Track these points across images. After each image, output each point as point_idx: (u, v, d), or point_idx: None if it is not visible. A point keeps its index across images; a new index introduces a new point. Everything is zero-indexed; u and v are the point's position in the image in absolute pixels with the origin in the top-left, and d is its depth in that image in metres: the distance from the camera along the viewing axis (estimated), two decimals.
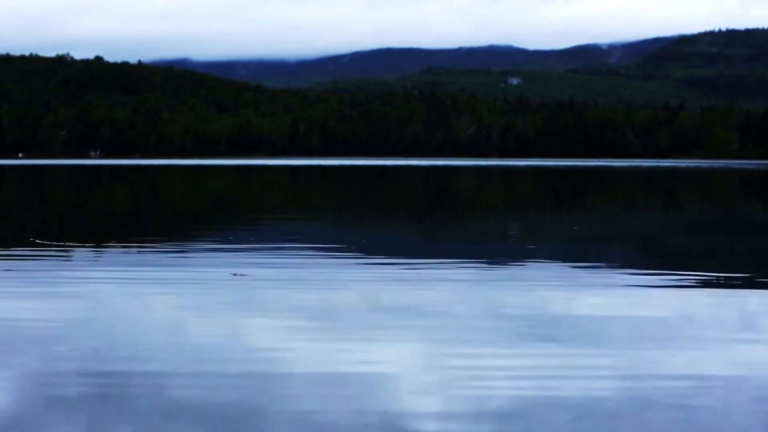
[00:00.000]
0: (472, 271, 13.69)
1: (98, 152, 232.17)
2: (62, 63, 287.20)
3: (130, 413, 6.26)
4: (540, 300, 10.99)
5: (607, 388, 6.95)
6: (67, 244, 17.01)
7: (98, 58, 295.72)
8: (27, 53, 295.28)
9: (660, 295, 11.44)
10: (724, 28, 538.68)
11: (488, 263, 14.60)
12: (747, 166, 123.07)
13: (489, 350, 8.25)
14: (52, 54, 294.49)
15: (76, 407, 6.40)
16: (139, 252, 16.09)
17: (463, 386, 6.99)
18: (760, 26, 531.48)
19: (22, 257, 15.17)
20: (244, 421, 6.11)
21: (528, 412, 6.30)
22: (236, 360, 7.81)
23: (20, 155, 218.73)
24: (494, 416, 6.22)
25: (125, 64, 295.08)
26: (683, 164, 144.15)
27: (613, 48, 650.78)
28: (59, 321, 9.47)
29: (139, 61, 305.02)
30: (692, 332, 9.14)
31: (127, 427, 5.97)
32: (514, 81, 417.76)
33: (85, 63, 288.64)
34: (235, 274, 12.93)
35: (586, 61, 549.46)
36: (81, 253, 15.89)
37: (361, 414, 6.26)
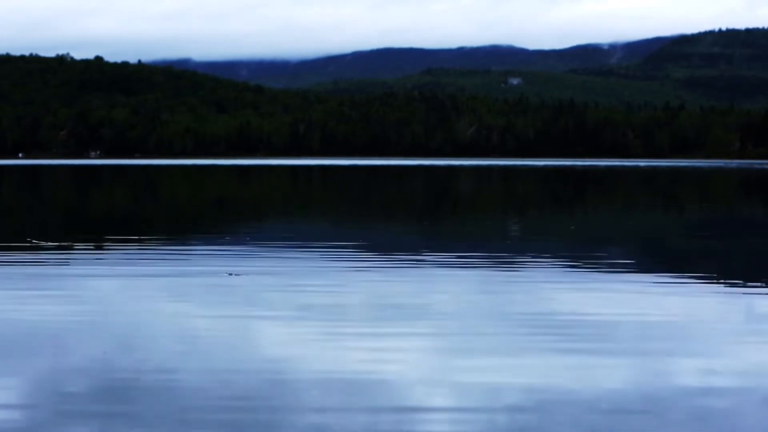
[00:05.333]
0: (475, 271, 13.64)
1: (98, 153, 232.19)
2: (62, 63, 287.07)
3: (141, 415, 6.21)
4: (545, 300, 10.94)
5: (616, 388, 6.90)
6: (67, 244, 16.96)
7: (98, 59, 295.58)
8: (27, 53, 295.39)
9: (665, 296, 11.38)
10: (724, 28, 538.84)
11: (491, 263, 14.54)
12: (747, 166, 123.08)
13: (497, 350, 8.20)
14: (52, 54, 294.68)
15: (86, 409, 6.34)
16: (139, 252, 16.03)
17: (473, 386, 6.94)
18: (761, 26, 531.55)
19: (23, 258, 15.11)
20: (254, 422, 6.06)
21: (538, 413, 6.25)
22: (245, 360, 7.76)
23: (20, 155, 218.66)
24: (504, 415, 6.17)
25: (125, 64, 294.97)
26: (683, 164, 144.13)
27: (613, 48, 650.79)
28: (64, 323, 9.41)
29: (140, 62, 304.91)
30: (700, 332, 9.09)
31: (138, 429, 5.92)
32: (515, 81, 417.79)
33: (85, 63, 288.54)
34: (230, 274, 12.88)
35: (587, 61, 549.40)
36: (82, 253, 15.84)
37: (373, 413, 6.21)
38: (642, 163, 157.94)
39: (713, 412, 6.34)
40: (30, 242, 17.09)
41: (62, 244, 16.91)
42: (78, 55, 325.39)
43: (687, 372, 7.42)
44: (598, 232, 23.16)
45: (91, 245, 17.10)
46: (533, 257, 15.31)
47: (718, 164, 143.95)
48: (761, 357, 8.10)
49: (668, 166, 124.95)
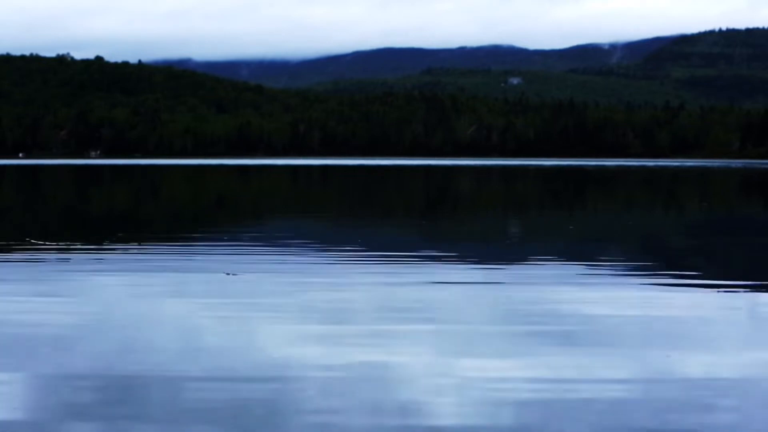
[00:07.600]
0: (476, 270, 13.61)
1: (98, 153, 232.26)
2: (62, 63, 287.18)
3: (142, 413, 6.18)
4: (548, 300, 10.91)
5: (618, 386, 6.88)
6: (66, 244, 16.94)
7: (98, 59, 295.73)
8: (27, 53, 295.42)
9: (668, 295, 11.35)
10: (724, 28, 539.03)
11: (492, 262, 14.53)
12: (748, 166, 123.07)
13: (501, 349, 8.18)
14: (52, 54, 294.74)
15: (90, 410, 6.31)
16: (139, 252, 16.01)
17: (475, 385, 6.92)
18: (762, 26, 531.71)
19: (23, 258, 15.09)
20: (259, 422, 6.04)
21: (541, 412, 6.22)
22: (246, 359, 7.74)
23: (20, 155, 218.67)
24: (507, 414, 6.15)
25: (125, 64, 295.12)
26: (684, 164, 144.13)
27: (613, 48, 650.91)
28: (67, 323, 9.38)
29: (140, 62, 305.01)
30: (704, 332, 9.06)
31: (139, 428, 5.89)
32: (515, 81, 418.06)
33: (86, 63, 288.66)
34: (228, 274, 12.85)
35: (587, 61, 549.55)
36: (82, 253, 15.81)
37: (374, 412, 6.19)
38: (650, 163, 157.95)
39: (715, 410, 6.32)
40: (30, 242, 17.06)
41: (62, 244, 16.89)
42: (78, 55, 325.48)
43: (689, 370, 7.41)
44: (599, 231, 23.14)
45: (91, 245, 17.08)
46: (536, 258, 15.28)
47: (730, 164, 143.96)
48: (763, 356, 8.08)
49: (675, 166, 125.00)
